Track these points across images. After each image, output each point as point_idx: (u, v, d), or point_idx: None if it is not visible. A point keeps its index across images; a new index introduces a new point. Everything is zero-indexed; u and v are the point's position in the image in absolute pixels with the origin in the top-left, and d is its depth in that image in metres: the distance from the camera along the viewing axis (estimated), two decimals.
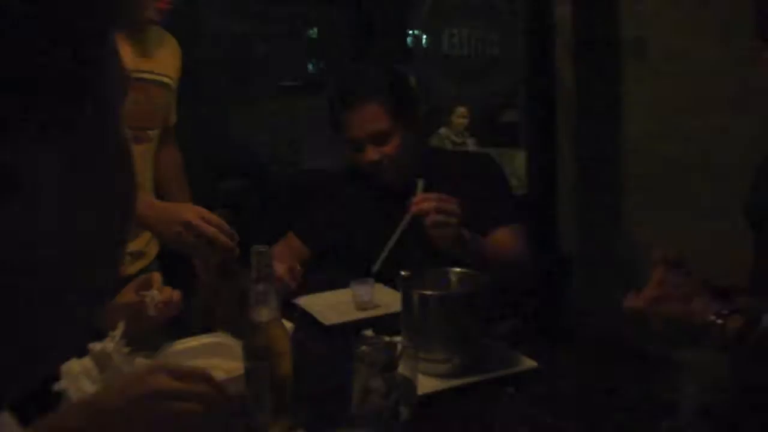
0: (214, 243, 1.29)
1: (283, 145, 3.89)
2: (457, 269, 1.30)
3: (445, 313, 1.18)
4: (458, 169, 1.68)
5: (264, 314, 1.01)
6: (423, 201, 1.38)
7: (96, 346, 1.05)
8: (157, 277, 1.27)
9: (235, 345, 1.17)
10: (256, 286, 1.03)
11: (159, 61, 1.70)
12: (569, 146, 2.66)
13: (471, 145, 3.71)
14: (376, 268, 1.45)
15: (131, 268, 1.67)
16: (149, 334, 1.22)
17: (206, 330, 1.27)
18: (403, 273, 1.21)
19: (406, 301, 1.18)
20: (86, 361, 1.05)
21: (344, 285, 1.57)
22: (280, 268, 1.50)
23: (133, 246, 1.70)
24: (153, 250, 1.79)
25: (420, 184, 1.45)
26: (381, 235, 1.46)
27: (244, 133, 3.77)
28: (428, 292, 1.19)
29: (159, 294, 1.23)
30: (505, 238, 1.56)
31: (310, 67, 4.35)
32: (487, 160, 1.76)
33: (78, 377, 1.02)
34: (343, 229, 1.73)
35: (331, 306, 1.54)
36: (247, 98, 3.81)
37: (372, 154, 1.61)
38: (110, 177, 0.29)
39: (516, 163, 3.27)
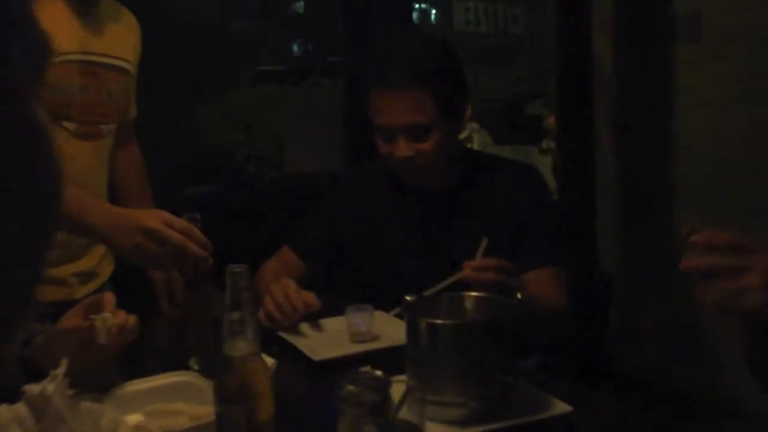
0: (182, 253, 1.28)
1: (262, 144, 3.91)
2: (473, 293, 1.30)
3: (460, 346, 1.17)
4: (498, 180, 1.69)
5: (239, 348, 1.01)
6: (481, 271, 1.36)
7: (33, 389, 1.03)
8: (109, 297, 1.26)
9: (204, 385, 1.17)
10: (231, 314, 1.04)
11: (114, 40, 1.69)
12: (609, 143, 2.67)
13: (478, 141, 3.73)
14: (396, 312, 1.47)
15: (80, 291, 1.67)
16: (99, 370, 1.21)
17: (170, 366, 1.27)
18: (407, 297, 1.21)
19: (412, 331, 1.19)
20: (20, 407, 1.02)
21: (338, 312, 1.58)
22: (293, 292, 1.52)
23: (82, 265, 1.70)
24: (107, 269, 1.79)
25: (484, 243, 1.43)
26: (401, 250, 1.47)
27: (216, 130, 3.79)
28: (439, 321, 1.19)
29: (112, 317, 1.22)
30: (543, 288, 1.58)
31: (294, 48, 4.38)
32: (535, 176, 1.77)
33: (9, 427, 1.01)
34: (354, 242, 1.75)
35: (321, 337, 1.54)
36: (219, 87, 3.84)
37: (405, 149, 1.60)
38: (24, 169, 0.30)
39: (540, 164, 3.30)
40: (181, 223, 1.29)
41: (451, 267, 1.43)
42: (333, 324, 1.58)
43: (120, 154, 1.83)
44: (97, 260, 1.75)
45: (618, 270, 2.51)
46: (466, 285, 1.36)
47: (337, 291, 1.72)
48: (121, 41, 1.72)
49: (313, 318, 1.60)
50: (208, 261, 1.30)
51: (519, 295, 1.38)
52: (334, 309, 1.60)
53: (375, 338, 1.51)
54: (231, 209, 2.97)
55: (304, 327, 1.59)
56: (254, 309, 1.09)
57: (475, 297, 1.29)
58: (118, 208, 1.40)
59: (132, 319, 1.25)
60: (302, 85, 4.27)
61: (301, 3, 4.27)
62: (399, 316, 1.52)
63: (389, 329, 1.51)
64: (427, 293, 1.40)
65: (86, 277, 1.72)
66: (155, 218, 1.29)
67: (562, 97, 2.69)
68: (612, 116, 2.63)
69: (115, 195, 1.82)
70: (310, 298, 1.57)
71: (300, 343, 1.51)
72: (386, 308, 1.59)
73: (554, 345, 1.46)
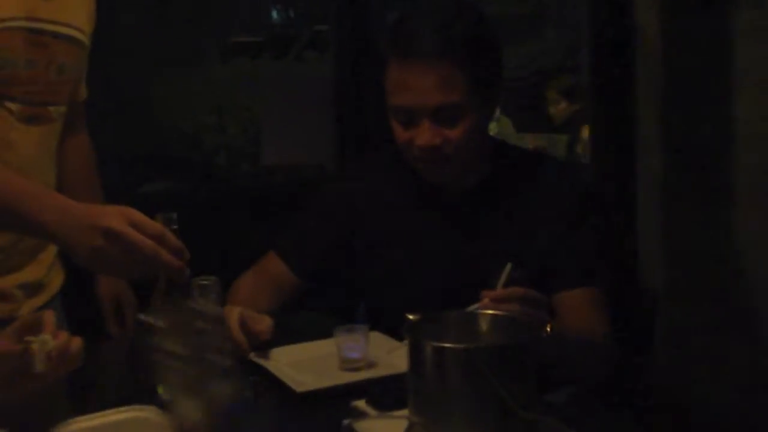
0: (154, 262, 1.25)
1: (235, 131, 3.91)
2: (490, 310, 1.31)
3: (473, 375, 1.18)
4: (534, 180, 1.71)
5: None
6: (503, 302, 1.38)
7: None
8: (49, 316, 1.25)
9: (163, 423, 1.18)
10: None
11: (65, 4, 1.69)
12: (654, 130, 2.68)
13: (498, 130, 3.75)
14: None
15: (26, 306, 1.68)
16: (37, 404, 1.22)
17: (125, 399, 1.28)
18: (410, 316, 1.22)
19: (416, 356, 1.19)
20: None
21: (328, 333, 1.59)
22: (234, 326, 1.52)
23: (27, 275, 1.70)
24: (56, 280, 1.80)
25: (507, 269, 1.44)
26: (414, 262, 1.47)
27: (178, 114, 3.79)
28: (447, 344, 1.20)
29: (52, 340, 1.21)
30: (580, 314, 1.60)
31: (274, 15, 4.38)
32: (578, 178, 1.79)
33: None
34: (357, 249, 1.76)
35: (306, 364, 1.55)
36: (183, 61, 3.84)
37: (430, 135, 1.58)
38: None
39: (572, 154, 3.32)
40: (152, 225, 1.26)
41: (473, 284, 1.44)
42: (321, 348, 1.60)
43: (69, 142, 1.84)
44: (45, 270, 1.76)
45: (663, 285, 2.52)
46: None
47: (332, 308, 1.74)
48: (74, 6, 1.72)
49: (298, 340, 1.62)
50: (184, 272, 1.27)
51: (549, 329, 1.41)
52: (324, 330, 1.62)
53: (370, 365, 1.52)
54: (196, 210, 2.97)
55: (286, 352, 1.60)
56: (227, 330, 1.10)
57: (492, 316, 1.30)
58: (75, 203, 1.36)
59: (76, 342, 1.24)
60: (283, 60, 4.27)
61: None
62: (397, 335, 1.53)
63: (388, 355, 1.53)
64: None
65: (33, 289, 1.72)
66: (120, 218, 1.25)
67: (595, 76, 2.70)
68: (657, 99, 2.64)
69: (59, 190, 1.82)
70: (261, 325, 1.57)
71: (281, 371, 1.52)
72: (394, 330, 1.60)
73: (587, 375, 1.46)
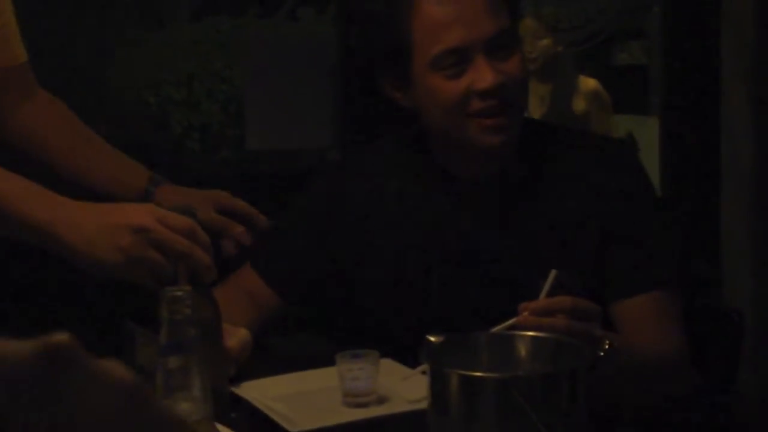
0: (187, 260, 1.35)
1: (210, 107, 3.93)
2: (530, 332, 1.33)
3: (509, 410, 1.18)
4: (575, 162, 1.74)
5: (181, 410, 1.06)
6: (547, 315, 1.40)
7: None
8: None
9: None
10: (167, 359, 1.08)
11: None
12: (742, 115, 2.69)
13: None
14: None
15: None
16: None
17: None
18: (431, 338, 1.24)
19: (439, 388, 1.21)
20: None
21: (328, 361, 1.60)
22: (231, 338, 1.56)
23: None
24: None
25: (552, 276, 1.46)
26: (429, 268, 1.50)
27: (139, 84, 3.81)
28: (478, 372, 1.21)
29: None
30: (646, 326, 1.61)
31: None
32: (630, 156, 1.83)
33: None
34: (356, 256, 1.78)
35: (302, 399, 1.55)
36: (145, 20, 3.86)
37: (492, 73, 1.63)
38: None
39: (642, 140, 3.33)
40: (182, 221, 1.38)
41: (505, 295, 1.46)
42: (320, 378, 1.60)
43: (27, 108, 1.89)
44: None
45: (751, 303, 2.53)
46: None
47: (328, 330, 1.75)
48: None
49: (290, 369, 1.63)
50: (212, 270, 1.38)
51: (607, 346, 1.42)
52: (322, 356, 1.63)
53: (381, 400, 1.53)
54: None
55: (276, 383, 1.61)
56: (202, 351, 1.13)
57: (532, 338, 1.32)
58: (82, 202, 1.44)
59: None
60: (271, 19, 4.27)
61: None
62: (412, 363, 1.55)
63: (402, 386, 1.53)
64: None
65: None
66: (147, 214, 1.37)
67: (668, 41, 2.71)
68: (747, 74, 2.65)
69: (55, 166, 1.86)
70: (233, 339, 1.59)
71: (269, 407, 1.52)
72: (401, 356, 1.62)
73: (653, 407, 1.48)
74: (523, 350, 1.31)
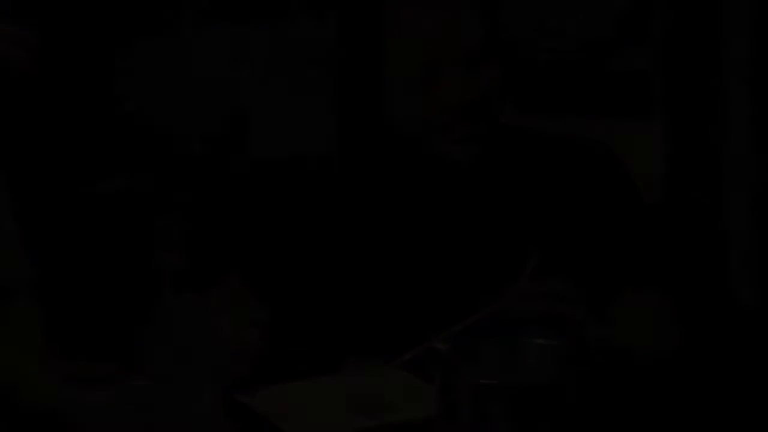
0: None
1: (214, 114, 3.93)
2: (540, 339, 1.31)
3: (520, 421, 1.18)
4: (556, 168, 1.74)
5: None
6: (529, 297, 1.44)
7: None
8: None
9: None
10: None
11: None
12: (743, 110, 2.68)
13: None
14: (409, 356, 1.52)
15: None
16: None
17: None
18: (439, 345, 1.21)
19: (447, 396, 1.20)
20: None
21: (330, 368, 1.61)
22: None
23: None
24: None
25: (533, 260, 1.49)
26: (420, 264, 1.48)
27: (141, 91, 3.81)
28: (488, 381, 1.20)
29: None
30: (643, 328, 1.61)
31: None
32: (607, 158, 1.81)
33: None
34: (349, 260, 1.77)
35: (307, 407, 1.54)
36: (148, 26, 3.86)
37: (461, 86, 1.63)
38: None
39: (641, 149, 3.33)
40: None
41: (484, 281, 1.49)
42: (325, 386, 1.59)
43: None
44: None
45: (760, 303, 2.52)
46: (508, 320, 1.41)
47: (328, 336, 1.75)
48: None
49: (294, 377, 1.62)
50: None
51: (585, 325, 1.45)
52: (326, 364, 1.62)
53: (390, 408, 1.51)
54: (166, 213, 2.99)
55: (282, 391, 1.60)
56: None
57: (542, 345, 1.30)
58: None
59: None
60: (274, 26, 4.28)
61: None
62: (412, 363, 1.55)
63: (410, 394, 1.52)
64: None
65: None
66: None
67: (669, 42, 2.70)
68: (748, 68, 2.64)
69: None
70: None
71: (276, 415, 1.51)
72: (393, 352, 1.62)
73: (666, 414, 1.46)
74: (535, 358, 1.30)
